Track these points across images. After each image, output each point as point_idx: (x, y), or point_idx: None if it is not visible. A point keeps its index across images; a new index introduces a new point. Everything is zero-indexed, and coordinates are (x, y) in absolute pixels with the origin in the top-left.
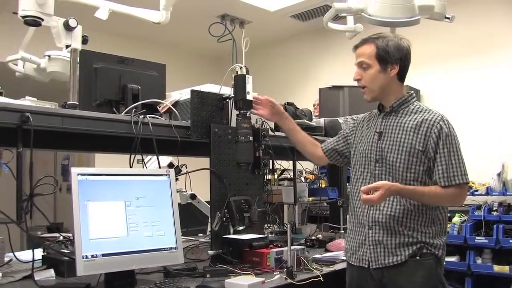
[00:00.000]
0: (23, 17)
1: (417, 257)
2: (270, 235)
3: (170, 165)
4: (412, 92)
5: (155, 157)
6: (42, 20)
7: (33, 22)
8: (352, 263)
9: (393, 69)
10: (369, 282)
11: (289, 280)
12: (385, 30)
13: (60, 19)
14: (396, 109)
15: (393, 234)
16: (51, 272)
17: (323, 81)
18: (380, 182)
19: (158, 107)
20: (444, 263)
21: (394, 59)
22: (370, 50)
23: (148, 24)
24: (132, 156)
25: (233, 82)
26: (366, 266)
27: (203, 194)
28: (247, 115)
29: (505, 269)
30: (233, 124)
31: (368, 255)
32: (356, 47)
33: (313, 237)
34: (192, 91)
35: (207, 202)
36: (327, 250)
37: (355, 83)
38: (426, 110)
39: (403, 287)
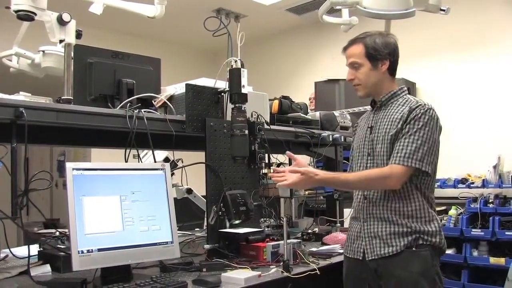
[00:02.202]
0: (16, 11)
1: (413, 248)
2: (266, 228)
3: (166, 160)
4: (403, 86)
5: (151, 151)
6: (35, 14)
7: (26, 16)
8: (348, 255)
9: (383, 65)
10: (365, 272)
11: (285, 274)
12: (380, 23)
13: (53, 14)
14: (385, 103)
15: (387, 224)
16: (47, 267)
17: (319, 74)
18: (304, 169)
19: (153, 101)
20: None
21: (383, 55)
22: (360, 50)
23: (142, 18)
24: (128, 150)
25: (228, 76)
26: (361, 258)
27: (199, 189)
28: (242, 108)
29: (501, 261)
30: (229, 117)
31: (363, 247)
32: (345, 49)
33: (310, 231)
34: (187, 85)
35: (203, 196)
36: (323, 244)
37: None
38: (413, 101)
39: (398, 277)
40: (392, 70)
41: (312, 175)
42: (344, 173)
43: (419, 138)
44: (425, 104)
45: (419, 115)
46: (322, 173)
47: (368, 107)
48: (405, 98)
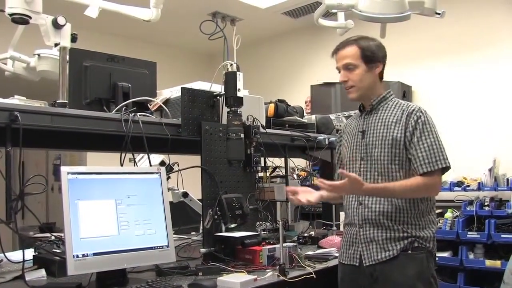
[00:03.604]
0: (10, 14)
1: (409, 251)
2: (262, 232)
3: (162, 163)
4: (390, 89)
5: (147, 155)
6: (30, 18)
7: (21, 20)
8: (343, 262)
9: (377, 67)
10: (361, 277)
11: (281, 277)
12: (375, 26)
13: (48, 17)
14: (376, 107)
15: (383, 230)
16: (42, 272)
17: (315, 78)
18: (356, 176)
19: (148, 105)
20: (437, 259)
21: (378, 57)
22: (355, 51)
23: (138, 22)
24: (123, 154)
25: (223, 79)
26: (357, 264)
27: (195, 192)
28: (238, 112)
29: (497, 263)
30: (224, 121)
31: (360, 252)
32: (338, 50)
33: (306, 234)
34: (183, 89)
35: (199, 200)
36: (319, 247)
37: None
38: (404, 104)
39: (395, 281)
40: (382, 74)
41: (360, 184)
42: (388, 183)
43: (435, 139)
44: (419, 107)
45: (422, 117)
46: (368, 184)
47: None
48: (394, 101)
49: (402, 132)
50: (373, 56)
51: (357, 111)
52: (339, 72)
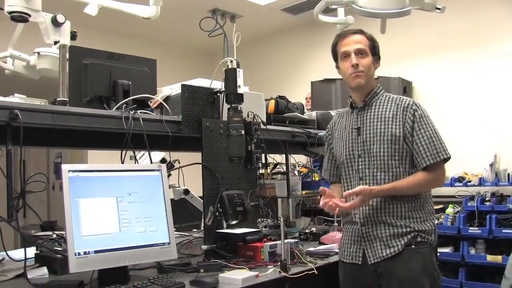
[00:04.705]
0: (10, 13)
1: (413, 246)
2: (263, 229)
3: (163, 161)
4: (379, 84)
5: (147, 152)
6: (29, 16)
7: (20, 18)
8: (345, 260)
9: (377, 63)
10: (365, 274)
11: (283, 274)
12: (375, 22)
13: (48, 15)
14: (369, 103)
15: (385, 226)
16: (44, 270)
17: (315, 74)
18: (360, 187)
19: (149, 102)
20: (438, 254)
21: (379, 53)
22: (366, 41)
23: (138, 19)
24: (124, 152)
25: (224, 76)
26: (360, 263)
27: (196, 189)
28: (239, 108)
29: (498, 258)
30: (225, 118)
31: (363, 250)
32: (348, 34)
33: (307, 230)
34: (183, 86)
35: (200, 197)
36: (321, 243)
37: None
38: (398, 98)
39: (400, 276)
40: None
41: (368, 191)
42: (397, 181)
43: (433, 131)
44: (412, 100)
45: (418, 111)
46: (376, 187)
47: None
48: (386, 95)
49: (401, 128)
50: (377, 50)
51: (335, 117)
52: (345, 57)
